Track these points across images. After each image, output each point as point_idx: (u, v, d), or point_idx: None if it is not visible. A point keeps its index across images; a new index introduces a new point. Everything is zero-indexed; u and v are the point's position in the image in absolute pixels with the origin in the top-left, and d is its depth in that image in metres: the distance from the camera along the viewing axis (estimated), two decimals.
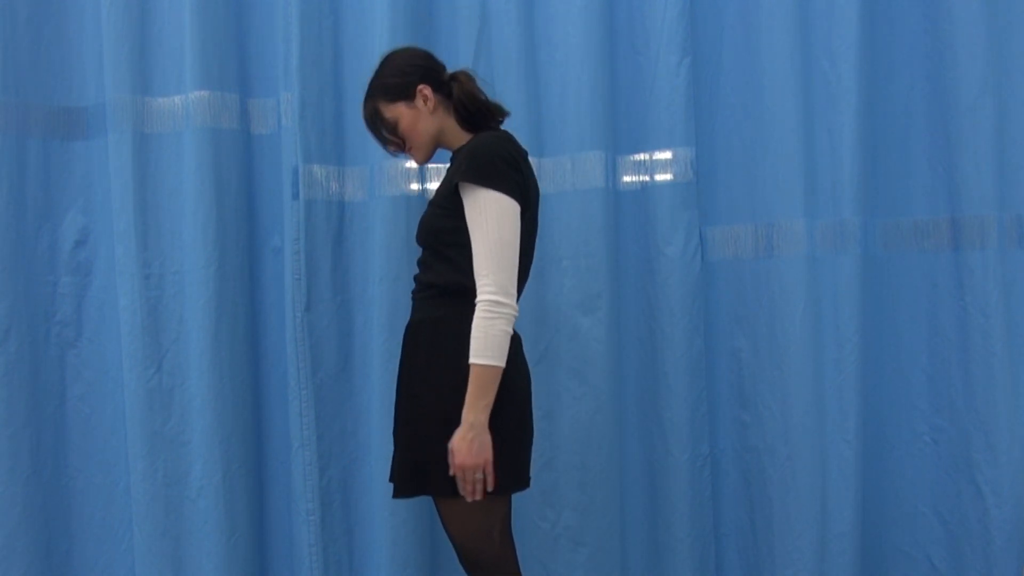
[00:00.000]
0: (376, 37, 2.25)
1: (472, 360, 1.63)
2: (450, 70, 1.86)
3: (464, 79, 1.83)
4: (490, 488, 1.65)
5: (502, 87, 2.29)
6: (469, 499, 1.65)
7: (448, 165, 1.82)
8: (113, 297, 2.26)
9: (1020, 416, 2.21)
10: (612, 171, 2.29)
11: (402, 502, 2.22)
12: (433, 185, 2.32)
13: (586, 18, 2.25)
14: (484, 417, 1.62)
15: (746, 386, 2.32)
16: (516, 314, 1.66)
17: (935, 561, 2.29)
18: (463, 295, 1.68)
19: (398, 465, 1.78)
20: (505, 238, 1.65)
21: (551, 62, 2.29)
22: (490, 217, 1.65)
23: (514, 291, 1.66)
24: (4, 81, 2.21)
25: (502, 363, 1.63)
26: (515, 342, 1.71)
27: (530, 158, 2.25)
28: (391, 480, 1.79)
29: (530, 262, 1.82)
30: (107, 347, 2.29)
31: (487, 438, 1.63)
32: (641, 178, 2.33)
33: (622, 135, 2.32)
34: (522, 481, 1.77)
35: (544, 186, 2.29)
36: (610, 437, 2.26)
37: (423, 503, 2.26)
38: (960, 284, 2.26)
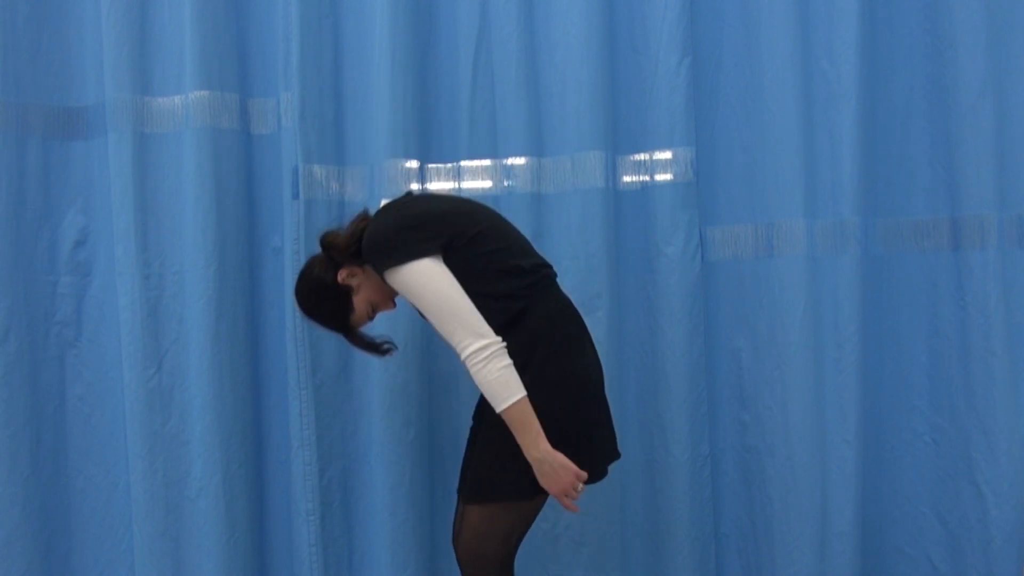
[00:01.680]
0: (376, 37, 2.25)
1: (498, 411, 1.65)
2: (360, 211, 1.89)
3: (328, 240, 1.84)
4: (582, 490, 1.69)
5: (502, 87, 2.30)
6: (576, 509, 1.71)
7: None
8: (113, 297, 2.26)
9: (1020, 416, 2.21)
10: (612, 171, 2.29)
11: (402, 502, 2.23)
12: (433, 185, 2.33)
13: (586, 18, 2.25)
14: (543, 445, 1.65)
15: (746, 386, 2.32)
16: (500, 345, 1.66)
17: (935, 561, 2.29)
18: (509, 298, 1.71)
19: (472, 469, 1.82)
20: (444, 294, 1.67)
21: (551, 62, 2.29)
22: (419, 287, 1.68)
23: (485, 327, 1.66)
24: (4, 81, 2.21)
25: (518, 394, 1.64)
26: (544, 348, 1.72)
27: (530, 158, 2.28)
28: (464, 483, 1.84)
29: (514, 242, 1.80)
30: (107, 347, 2.29)
31: (559, 459, 1.66)
32: (641, 178, 2.33)
33: (622, 135, 2.32)
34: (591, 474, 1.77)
35: (544, 186, 2.30)
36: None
37: (423, 503, 2.26)
38: (960, 284, 2.26)
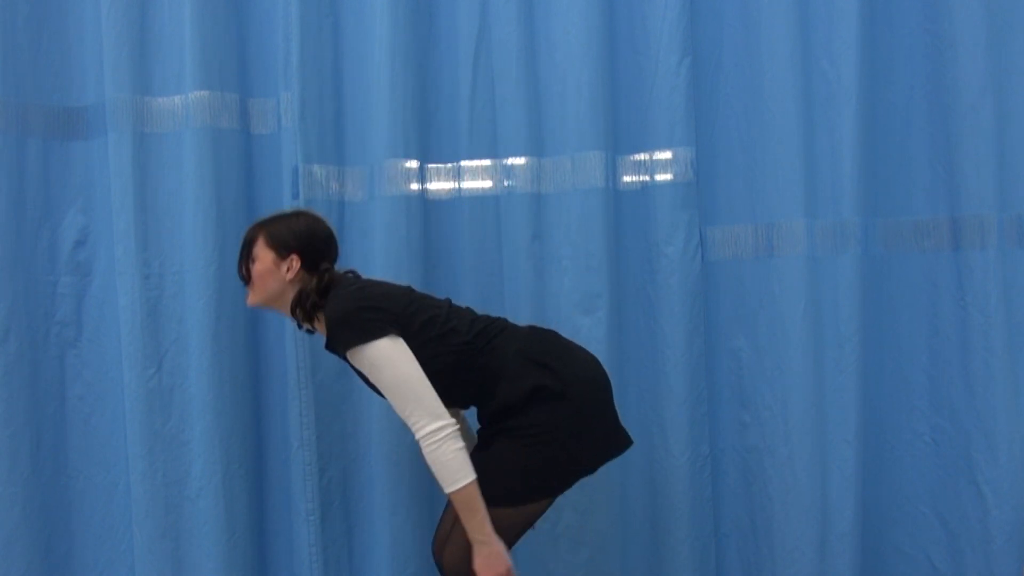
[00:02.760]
0: (376, 37, 2.25)
1: (447, 491, 1.70)
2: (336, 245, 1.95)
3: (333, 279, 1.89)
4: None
5: (502, 87, 2.30)
6: None
7: None
8: (113, 297, 2.26)
9: (1020, 416, 2.21)
10: (612, 171, 2.29)
11: (402, 502, 2.23)
12: (433, 185, 2.33)
13: (586, 18, 2.25)
14: (487, 528, 1.70)
15: (746, 386, 2.32)
16: (455, 427, 1.70)
17: (935, 561, 2.29)
18: (464, 354, 1.78)
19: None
20: (403, 373, 1.72)
21: (551, 62, 2.29)
22: (380, 366, 1.73)
23: (441, 409, 1.71)
24: (4, 81, 2.21)
25: (469, 477, 1.69)
26: (558, 356, 1.79)
27: (530, 158, 2.28)
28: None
29: (452, 308, 1.87)
30: (107, 347, 2.29)
31: (499, 547, 1.71)
32: (641, 178, 2.33)
33: (622, 135, 2.32)
34: (561, 486, 1.82)
35: (544, 186, 2.30)
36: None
37: (423, 504, 2.26)
38: (960, 284, 2.26)
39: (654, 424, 2.31)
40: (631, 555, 2.32)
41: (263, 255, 1.88)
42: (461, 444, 1.71)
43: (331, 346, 1.81)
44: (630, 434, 1.89)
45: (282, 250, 1.87)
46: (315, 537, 2.23)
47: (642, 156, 2.33)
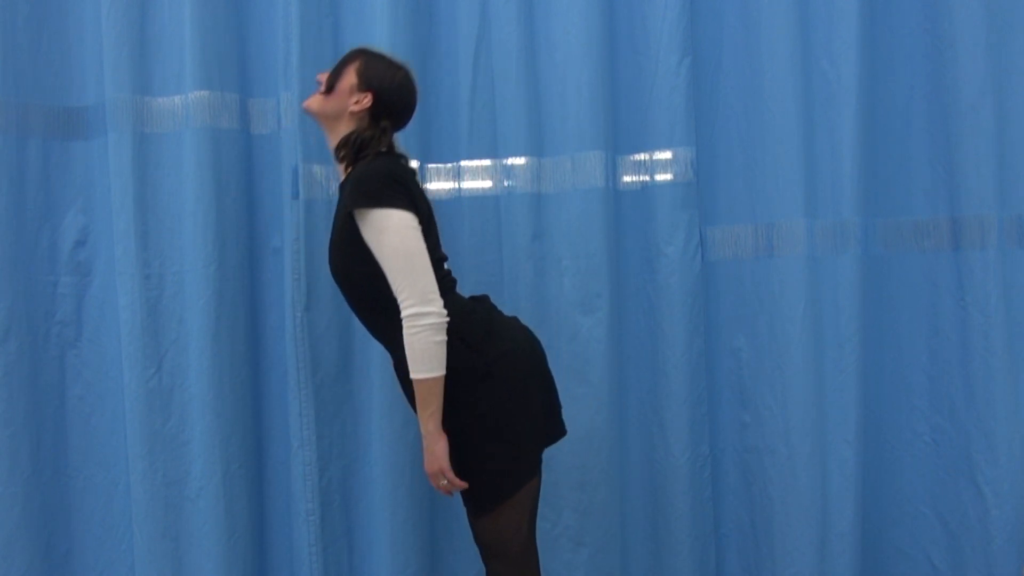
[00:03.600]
0: (376, 37, 2.25)
1: (411, 375, 1.68)
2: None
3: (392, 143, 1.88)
4: (460, 487, 1.72)
5: (502, 87, 2.30)
6: (447, 494, 1.75)
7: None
8: (113, 297, 2.26)
9: (1020, 416, 2.22)
10: (612, 171, 2.29)
11: (403, 502, 2.23)
12: (433, 185, 2.33)
13: (586, 18, 2.25)
14: (432, 425, 1.69)
15: (746, 386, 2.33)
16: (443, 319, 1.68)
17: (935, 561, 2.29)
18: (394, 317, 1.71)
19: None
20: (411, 248, 1.69)
21: (551, 62, 2.29)
22: (387, 233, 1.69)
23: (435, 296, 1.68)
24: (4, 81, 2.21)
25: (438, 372, 1.68)
26: (487, 332, 1.75)
27: (530, 158, 2.28)
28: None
29: (437, 240, 1.84)
30: (107, 347, 2.29)
31: (441, 446, 1.70)
32: (641, 178, 2.33)
33: (622, 135, 2.32)
34: (533, 466, 1.79)
35: (544, 186, 2.30)
36: (610, 437, 2.26)
37: (423, 504, 2.26)
38: (960, 284, 2.26)
39: (654, 424, 2.31)
40: (631, 555, 2.32)
41: (348, 76, 1.86)
42: (442, 337, 1.67)
43: (343, 204, 1.77)
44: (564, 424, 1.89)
45: (364, 84, 1.85)
46: (315, 537, 2.23)
47: (642, 156, 2.33)
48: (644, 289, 2.32)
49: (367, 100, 1.84)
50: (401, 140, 2.23)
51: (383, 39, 2.23)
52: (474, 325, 1.77)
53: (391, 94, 1.86)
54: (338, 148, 1.86)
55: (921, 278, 2.31)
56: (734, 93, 2.34)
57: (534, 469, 1.79)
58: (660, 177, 2.30)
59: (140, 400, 2.20)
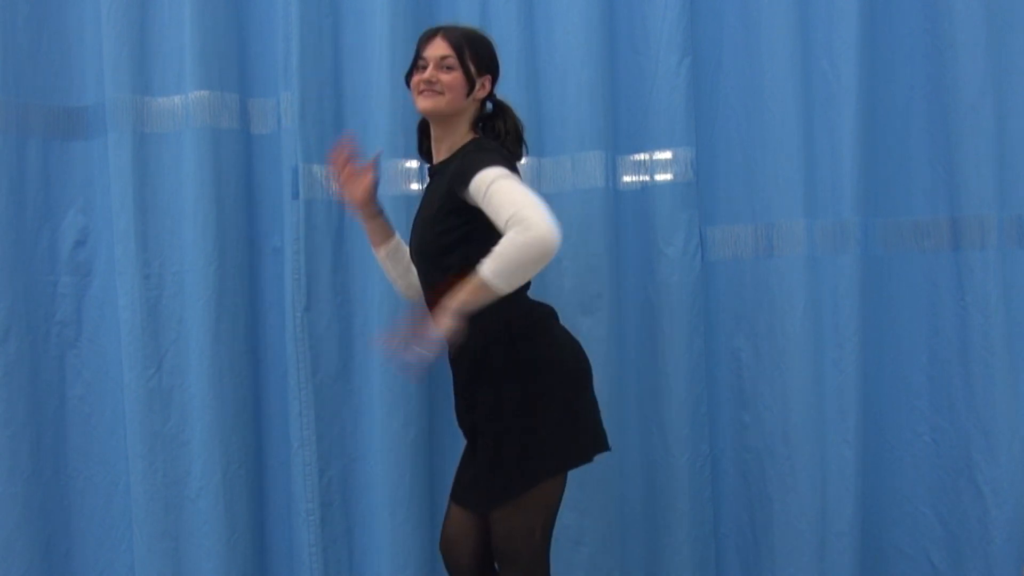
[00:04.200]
0: (376, 37, 2.25)
1: (484, 269, 1.61)
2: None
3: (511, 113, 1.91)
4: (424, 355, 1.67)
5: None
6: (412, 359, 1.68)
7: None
8: (113, 297, 2.26)
9: (1020, 416, 2.21)
10: (612, 171, 2.29)
11: (402, 502, 2.23)
12: None
13: (586, 18, 2.25)
14: (456, 309, 1.63)
15: (746, 386, 2.32)
16: (556, 247, 1.59)
17: (935, 561, 2.29)
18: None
19: (483, 478, 1.80)
20: (525, 190, 1.66)
21: (551, 62, 2.29)
22: (504, 182, 1.66)
23: (554, 226, 1.60)
24: (4, 81, 2.21)
25: (506, 288, 1.62)
26: (550, 322, 1.79)
27: (530, 158, 2.28)
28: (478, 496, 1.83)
29: None
30: (107, 347, 2.29)
31: (444, 324, 1.64)
32: (641, 178, 2.33)
33: (622, 135, 2.32)
34: (567, 460, 1.80)
35: (544, 186, 2.30)
36: (610, 437, 2.25)
37: (423, 504, 2.26)
38: (960, 284, 2.26)
39: (654, 424, 2.31)
40: (631, 555, 2.32)
41: (461, 66, 1.84)
42: (537, 268, 1.62)
43: (445, 181, 1.77)
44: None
45: (480, 67, 1.86)
46: (315, 537, 2.23)
47: (642, 156, 2.33)
48: (644, 289, 2.32)
49: (488, 84, 1.88)
50: (401, 140, 2.24)
51: (383, 39, 2.23)
52: (555, 328, 1.83)
53: (497, 69, 1.91)
54: (475, 127, 1.87)
55: (921, 278, 2.31)
56: (734, 93, 2.34)
57: (558, 467, 1.78)
58: (660, 177, 2.30)
59: (140, 400, 2.21)
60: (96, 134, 2.30)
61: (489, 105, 1.91)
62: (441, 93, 1.82)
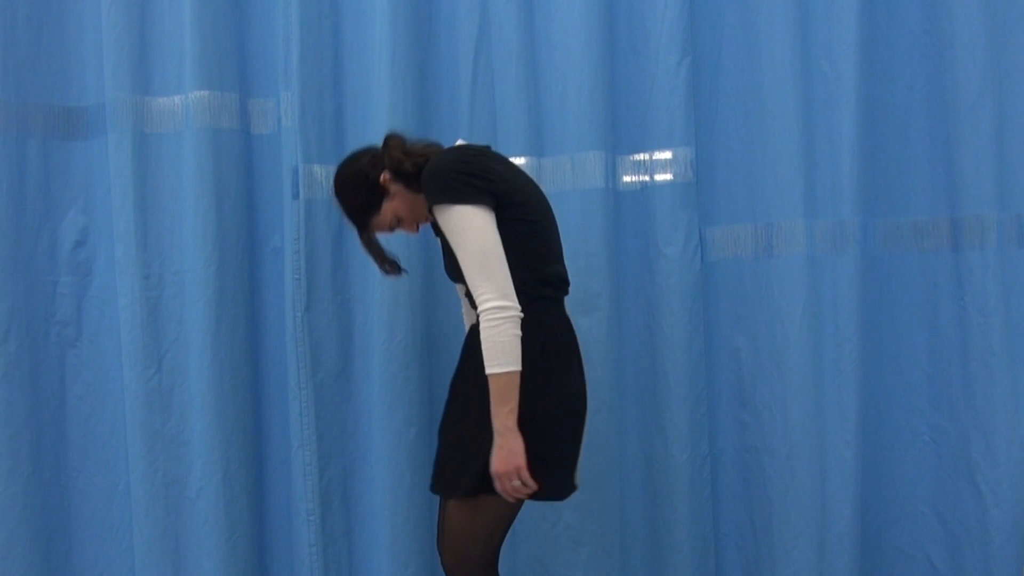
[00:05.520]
0: (376, 37, 2.25)
1: (487, 371, 1.64)
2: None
3: (393, 143, 1.86)
4: (531, 489, 1.66)
5: (502, 87, 2.30)
6: (511, 500, 1.69)
7: None
8: (113, 297, 2.26)
9: (1020, 416, 2.22)
10: (612, 171, 2.29)
11: (403, 502, 2.23)
12: None
13: (586, 18, 2.25)
14: (510, 422, 1.63)
15: (746, 386, 2.33)
16: (520, 315, 1.65)
17: (935, 561, 2.29)
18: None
19: (442, 463, 1.80)
20: (485, 245, 1.66)
21: (551, 62, 2.29)
22: (463, 231, 1.67)
23: (511, 291, 1.65)
24: (4, 81, 2.21)
25: (515, 366, 1.64)
26: (554, 346, 1.74)
27: (530, 158, 2.28)
28: (435, 477, 1.82)
29: (554, 236, 1.83)
30: (107, 347, 2.29)
31: (517, 444, 1.64)
32: (641, 178, 2.33)
33: (622, 135, 2.32)
34: (551, 490, 1.76)
35: (544, 186, 2.29)
36: (610, 437, 2.27)
37: (423, 504, 2.26)
38: (960, 284, 2.26)
39: (654, 424, 2.31)
40: (631, 555, 2.33)
41: (386, 215, 1.87)
42: (519, 333, 1.64)
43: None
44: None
45: (379, 197, 1.86)
46: (315, 537, 2.23)
47: (642, 156, 2.33)
48: (644, 289, 2.32)
49: (387, 179, 1.84)
50: None
51: (383, 39, 2.23)
52: (560, 340, 1.79)
53: (369, 172, 1.85)
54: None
55: (921, 278, 2.31)
56: (734, 93, 2.34)
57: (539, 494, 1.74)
58: (660, 177, 2.30)
59: (140, 400, 2.21)
60: (96, 134, 2.30)
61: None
62: (402, 228, 1.90)
